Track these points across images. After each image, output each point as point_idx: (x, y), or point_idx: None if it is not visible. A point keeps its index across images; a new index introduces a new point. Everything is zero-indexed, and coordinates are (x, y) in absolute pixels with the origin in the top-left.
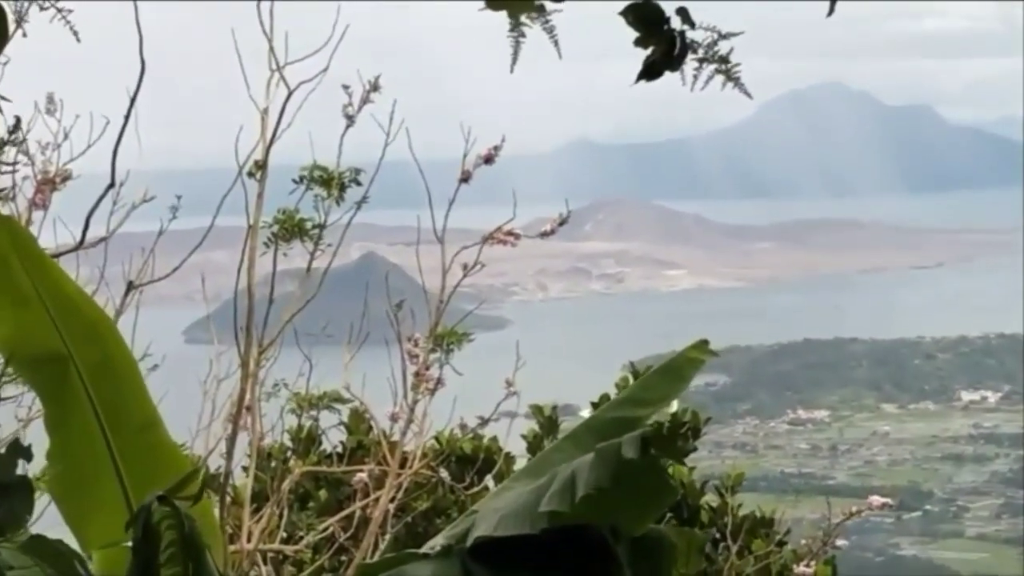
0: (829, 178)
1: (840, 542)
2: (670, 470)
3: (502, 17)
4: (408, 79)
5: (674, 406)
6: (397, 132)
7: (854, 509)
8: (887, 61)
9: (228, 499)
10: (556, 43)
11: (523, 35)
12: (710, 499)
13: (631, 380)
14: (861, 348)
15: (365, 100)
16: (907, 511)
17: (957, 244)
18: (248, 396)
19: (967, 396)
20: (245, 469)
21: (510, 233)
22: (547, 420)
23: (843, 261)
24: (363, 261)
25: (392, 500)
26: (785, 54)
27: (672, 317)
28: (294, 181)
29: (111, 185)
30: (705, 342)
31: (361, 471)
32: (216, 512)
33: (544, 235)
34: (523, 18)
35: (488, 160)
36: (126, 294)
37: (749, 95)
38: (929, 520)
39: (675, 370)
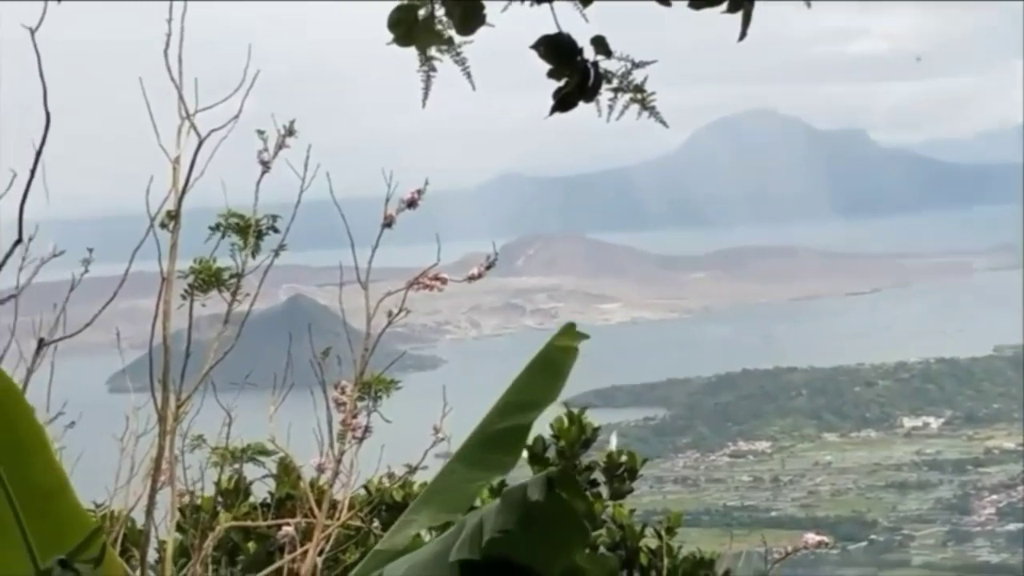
0: (762, 205)
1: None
2: (611, 511)
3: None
4: (327, 116)
5: (613, 443)
6: (314, 177)
7: (790, 548)
8: (816, 85)
9: (155, 556)
10: (468, 75)
11: (434, 69)
12: (649, 541)
13: (566, 422)
14: (800, 377)
15: (280, 145)
16: (852, 541)
17: (892, 269)
18: (167, 451)
19: (909, 423)
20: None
21: (436, 278)
22: None
23: (778, 289)
24: (291, 304)
25: (320, 553)
26: (714, 80)
27: (607, 351)
28: (210, 229)
29: (19, 240)
30: (572, 325)
31: (288, 524)
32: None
33: (472, 279)
34: (433, 51)
35: (411, 204)
36: (37, 351)
37: (665, 124)
38: (875, 550)
39: (550, 365)
